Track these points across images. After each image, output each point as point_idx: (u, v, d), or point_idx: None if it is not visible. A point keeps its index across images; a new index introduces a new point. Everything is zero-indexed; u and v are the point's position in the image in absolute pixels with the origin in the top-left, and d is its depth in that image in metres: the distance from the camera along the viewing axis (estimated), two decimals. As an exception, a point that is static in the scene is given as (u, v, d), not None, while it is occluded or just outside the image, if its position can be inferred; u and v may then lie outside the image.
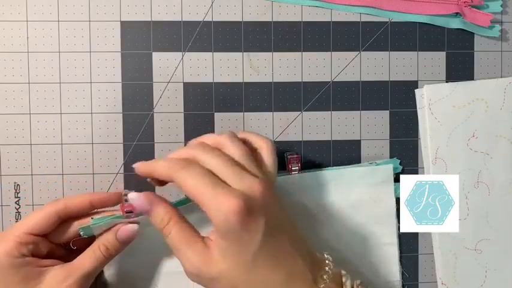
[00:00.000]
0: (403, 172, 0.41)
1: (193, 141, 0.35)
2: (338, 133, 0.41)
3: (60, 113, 0.39)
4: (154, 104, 0.40)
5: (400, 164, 0.41)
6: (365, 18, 0.41)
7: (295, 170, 0.38)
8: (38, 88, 0.39)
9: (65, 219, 0.35)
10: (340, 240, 0.40)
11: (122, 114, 0.40)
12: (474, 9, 0.41)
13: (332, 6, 0.40)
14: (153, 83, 0.40)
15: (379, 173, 0.40)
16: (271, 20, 0.40)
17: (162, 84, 0.40)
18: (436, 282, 0.42)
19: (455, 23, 0.41)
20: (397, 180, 0.40)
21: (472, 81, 0.41)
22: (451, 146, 0.41)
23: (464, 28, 0.41)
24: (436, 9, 0.40)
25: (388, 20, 0.41)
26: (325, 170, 0.39)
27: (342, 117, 0.41)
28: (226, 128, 0.40)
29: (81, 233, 0.34)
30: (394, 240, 0.40)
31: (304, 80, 0.41)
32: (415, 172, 0.41)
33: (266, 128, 0.41)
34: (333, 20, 0.41)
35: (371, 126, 0.41)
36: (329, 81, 0.41)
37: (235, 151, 0.32)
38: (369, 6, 0.40)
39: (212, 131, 0.40)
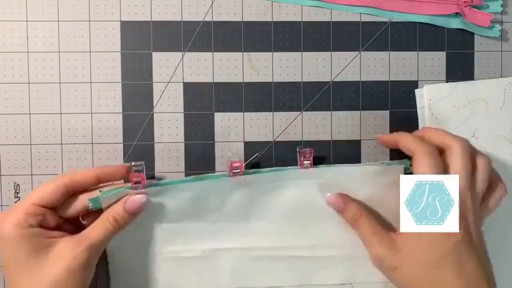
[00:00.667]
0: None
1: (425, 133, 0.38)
2: (338, 133, 0.41)
3: (60, 113, 0.39)
4: (154, 104, 0.40)
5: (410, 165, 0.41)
6: (365, 18, 0.41)
7: (306, 164, 0.39)
8: (38, 88, 0.39)
9: (73, 193, 0.35)
10: (347, 236, 0.40)
11: (121, 114, 0.40)
12: (474, 9, 0.41)
13: (332, 6, 0.40)
14: (153, 83, 0.40)
15: (390, 173, 0.39)
16: (271, 20, 0.40)
17: (162, 84, 0.40)
18: (436, 282, 0.42)
19: (455, 23, 0.41)
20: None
21: (472, 81, 0.41)
22: (451, 146, 0.41)
23: (464, 28, 0.41)
24: (436, 9, 0.40)
25: (388, 20, 0.41)
26: (336, 167, 0.39)
27: (342, 117, 0.41)
28: (226, 128, 0.40)
29: (90, 204, 0.35)
30: None
31: (304, 80, 0.41)
32: (415, 172, 0.41)
33: (266, 128, 0.41)
34: (333, 20, 0.41)
35: (371, 126, 0.41)
36: (329, 81, 0.41)
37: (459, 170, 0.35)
38: (369, 6, 0.40)
39: (212, 131, 0.40)
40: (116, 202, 0.36)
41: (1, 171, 0.39)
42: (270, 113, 0.41)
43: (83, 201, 0.35)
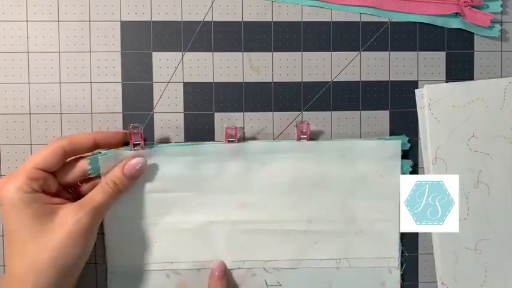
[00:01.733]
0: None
1: None
2: (338, 133, 0.41)
3: (60, 113, 0.39)
4: (154, 104, 0.40)
5: (408, 141, 0.41)
6: (365, 18, 0.41)
7: (303, 138, 0.39)
8: (38, 88, 0.39)
9: (71, 158, 0.36)
10: (343, 211, 0.40)
11: (121, 114, 0.40)
12: (474, 9, 0.41)
13: (332, 6, 0.41)
14: (153, 83, 0.40)
15: (387, 147, 0.40)
16: (271, 20, 0.40)
17: (162, 84, 0.40)
18: (436, 282, 0.42)
19: (455, 23, 0.41)
20: (404, 157, 0.40)
21: (472, 81, 0.41)
22: (451, 146, 0.41)
23: (464, 28, 0.41)
24: (436, 9, 0.40)
25: (388, 20, 0.41)
26: (334, 141, 0.40)
27: (342, 117, 0.41)
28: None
29: (89, 167, 0.36)
30: (396, 216, 0.40)
31: (304, 80, 0.41)
32: (415, 172, 0.41)
33: (266, 128, 0.41)
34: (333, 20, 0.41)
35: (371, 126, 0.41)
36: (329, 81, 0.41)
37: None
38: (369, 6, 0.40)
39: (212, 131, 0.40)
40: (114, 167, 0.36)
41: (1, 171, 0.39)
42: (270, 113, 0.41)
43: (82, 166, 0.36)
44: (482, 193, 0.41)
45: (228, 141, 0.38)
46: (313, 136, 0.40)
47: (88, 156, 0.36)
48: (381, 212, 0.40)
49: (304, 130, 0.39)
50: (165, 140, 0.40)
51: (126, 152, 0.37)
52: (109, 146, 0.37)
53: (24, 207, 0.33)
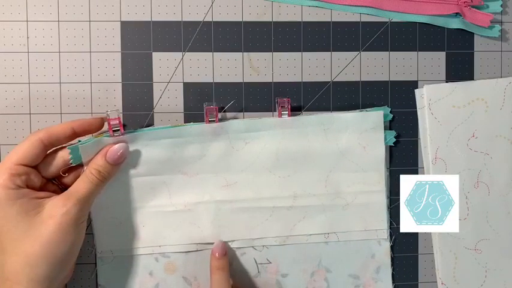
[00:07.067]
0: (403, 172, 0.41)
1: None
2: (338, 133, 0.41)
3: (60, 113, 0.40)
4: (154, 104, 0.40)
5: (390, 112, 0.41)
6: (365, 18, 0.41)
7: (284, 114, 0.39)
8: (38, 88, 0.39)
9: (52, 151, 0.36)
10: (329, 185, 0.40)
11: (122, 114, 0.40)
12: (474, 9, 0.41)
13: (332, 6, 0.41)
14: (153, 83, 0.40)
15: (370, 119, 0.40)
16: (271, 20, 0.40)
17: (162, 84, 0.40)
18: (436, 282, 0.42)
19: (455, 23, 0.41)
20: (387, 128, 0.41)
21: (472, 81, 0.41)
22: (451, 146, 0.41)
23: (464, 28, 0.41)
24: (436, 9, 0.40)
25: (388, 20, 0.41)
26: (315, 115, 0.40)
27: (342, 117, 0.41)
28: (226, 128, 0.40)
29: (70, 157, 0.35)
30: (383, 187, 0.40)
31: (304, 80, 0.41)
32: (415, 172, 0.41)
33: (266, 128, 0.41)
34: (333, 20, 0.41)
35: (371, 126, 0.41)
36: (329, 81, 0.41)
37: None
38: (369, 6, 0.40)
39: (212, 131, 0.40)
40: (96, 155, 0.36)
41: (1, 171, 0.39)
42: (270, 113, 0.41)
43: (63, 156, 0.36)
44: (482, 193, 0.41)
45: (209, 121, 0.38)
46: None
47: (69, 147, 0.35)
48: (367, 184, 0.40)
49: (285, 106, 0.39)
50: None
51: (106, 138, 0.36)
52: (88, 133, 0.36)
53: (10, 204, 0.32)
